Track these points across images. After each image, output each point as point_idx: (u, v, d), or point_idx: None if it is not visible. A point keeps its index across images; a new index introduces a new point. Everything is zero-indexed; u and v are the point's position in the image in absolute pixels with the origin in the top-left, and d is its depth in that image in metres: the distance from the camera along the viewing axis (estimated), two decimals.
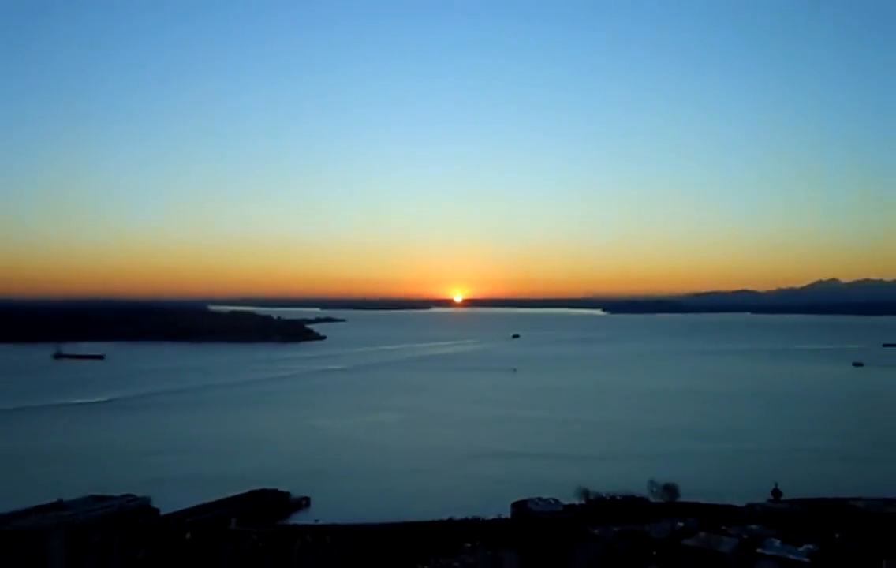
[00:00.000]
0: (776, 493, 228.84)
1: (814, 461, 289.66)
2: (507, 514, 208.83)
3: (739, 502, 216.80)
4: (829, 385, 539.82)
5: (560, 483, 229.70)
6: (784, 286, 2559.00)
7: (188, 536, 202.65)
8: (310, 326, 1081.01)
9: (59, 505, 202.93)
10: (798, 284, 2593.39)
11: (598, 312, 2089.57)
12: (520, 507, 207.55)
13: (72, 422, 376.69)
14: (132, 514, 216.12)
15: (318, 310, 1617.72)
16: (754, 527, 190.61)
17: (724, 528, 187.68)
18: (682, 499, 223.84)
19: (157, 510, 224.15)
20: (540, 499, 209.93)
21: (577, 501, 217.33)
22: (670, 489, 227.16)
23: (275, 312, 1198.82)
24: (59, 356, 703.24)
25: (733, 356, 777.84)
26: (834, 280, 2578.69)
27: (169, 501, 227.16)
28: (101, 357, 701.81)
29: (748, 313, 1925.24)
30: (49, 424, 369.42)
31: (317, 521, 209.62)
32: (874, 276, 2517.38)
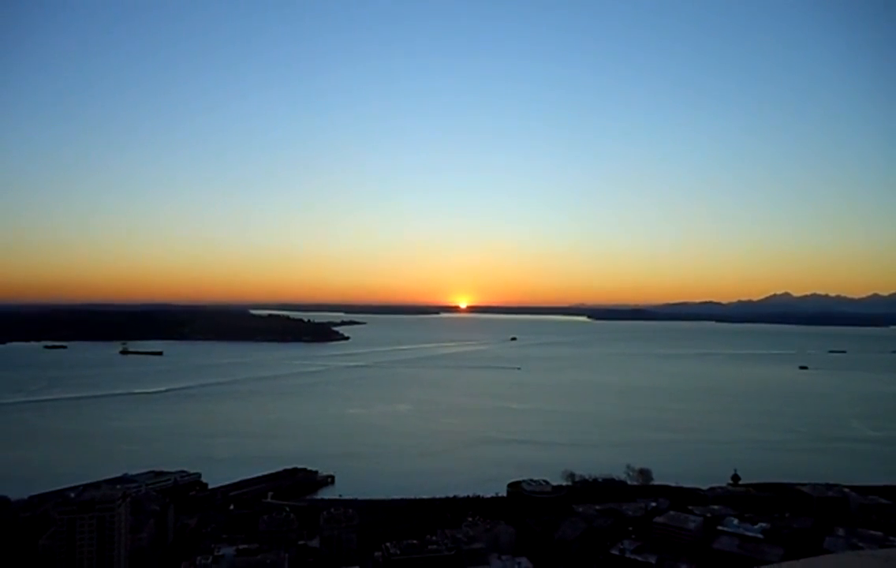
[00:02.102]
0: (735, 478, 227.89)
1: (767, 451, 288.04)
2: (503, 492, 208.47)
3: (703, 486, 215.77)
4: (779, 385, 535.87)
5: (549, 467, 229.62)
6: (744, 298, 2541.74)
7: (231, 506, 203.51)
8: (335, 328, 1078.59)
9: (124, 478, 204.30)
10: (755, 297, 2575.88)
11: (584, 318, 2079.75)
12: (514, 486, 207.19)
13: (135, 408, 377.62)
14: (185, 487, 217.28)
15: (342, 314, 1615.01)
16: (716, 507, 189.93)
17: (690, 508, 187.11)
18: (655, 482, 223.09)
19: (206, 484, 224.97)
20: (532, 480, 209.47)
21: (564, 483, 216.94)
22: (644, 473, 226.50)
23: (305, 315, 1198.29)
24: (124, 352, 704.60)
25: (698, 359, 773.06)
26: (787, 294, 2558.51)
27: (216, 477, 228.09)
28: (160, 353, 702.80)
29: (713, 322, 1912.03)
30: (116, 409, 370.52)
31: (341, 496, 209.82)
32: (821, 292, 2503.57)
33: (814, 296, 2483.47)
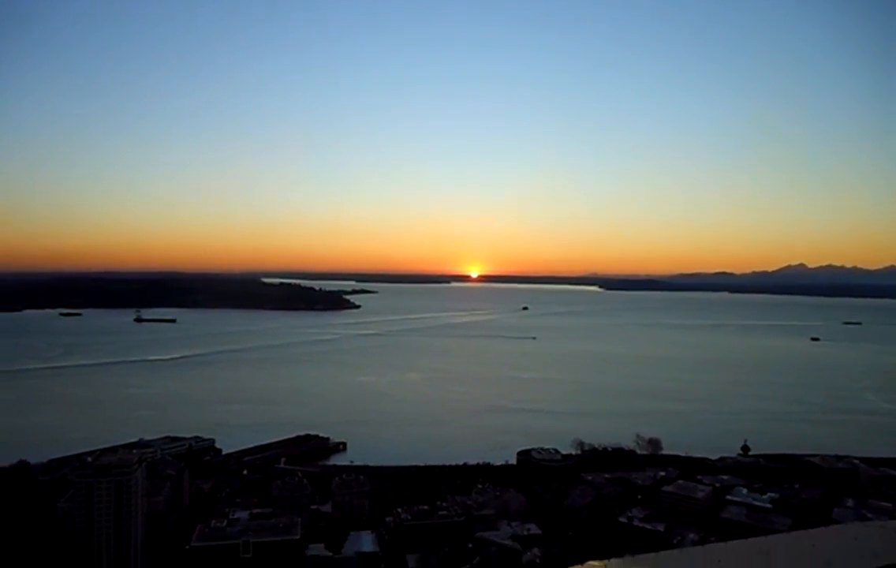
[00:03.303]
0: (745, 448, 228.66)
1: (777, 422, 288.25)
2: (513, 460, 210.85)
3: (713, 456, 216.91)
4: (792, 357, 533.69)
5: (559, 436, 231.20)
6: (758, 269, 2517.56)
7: (245, 471, 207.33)
8: (347, 297, 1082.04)
9: (140, 443, 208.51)
10: (770, 268, 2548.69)
11: (596, 288, 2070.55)
12: (524, 455, 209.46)
13: (150, 375, 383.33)
14: (200, 452, 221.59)
15: (353, 282, 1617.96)
16: (725, 477, 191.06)
17: (699, 477, 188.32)
18: (664, 452, 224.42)
19: (220, 450, 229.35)
20: (541, 449, 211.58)
21: (573, 452, 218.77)
22: (654, 443, 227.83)
23: (317, 284, 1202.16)
24: (138, 320, 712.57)
25: (711, 330, 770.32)
26: (802, 265, 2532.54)
27: (229, 442, 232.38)
28: (173, 321, 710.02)
29: (726, 293, 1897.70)
30: (131, 376, 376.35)
31: (352, 462, 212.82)
32: (837, 262, 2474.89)
33: (829, 267, 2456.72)
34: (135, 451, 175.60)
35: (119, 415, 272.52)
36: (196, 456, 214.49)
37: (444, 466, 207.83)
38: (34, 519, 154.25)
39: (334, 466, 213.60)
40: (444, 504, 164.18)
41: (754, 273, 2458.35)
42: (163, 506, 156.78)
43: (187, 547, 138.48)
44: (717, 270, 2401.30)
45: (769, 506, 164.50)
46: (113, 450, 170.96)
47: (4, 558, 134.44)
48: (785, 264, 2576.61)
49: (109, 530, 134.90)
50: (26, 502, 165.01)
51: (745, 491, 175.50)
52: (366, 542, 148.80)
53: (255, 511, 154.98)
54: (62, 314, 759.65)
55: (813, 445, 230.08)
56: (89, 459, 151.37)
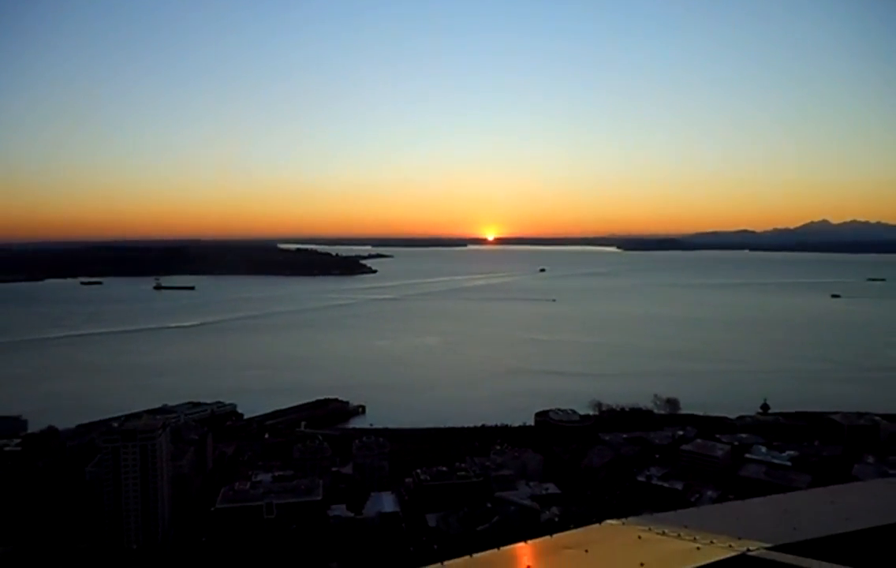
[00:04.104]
0: (764, 407, 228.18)
1: (798, 380, 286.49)
2: (531, 422, 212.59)
3: (732, 415, 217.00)
4: (814, 314, 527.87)
5: (577, 396, 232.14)
6: (779, 226, 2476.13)
7: (266, 435, 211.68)
8: (363, 262, 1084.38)
9: (163, 409, 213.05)
10: (792, 225, 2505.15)
11: (614, 249, 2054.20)
12: (542, 416, 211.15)
13: (171, 342, 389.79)
14: (222, 417, 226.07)
15: (369, 247, 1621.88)
16: (744, 435, 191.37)
17: (717, 436, 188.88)
18: (682, 411, 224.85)
19: (241, 414, 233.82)
20: (559, 410, 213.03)
21: (591, 412, 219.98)
22: (672, 403, 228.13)
23: (333, 249, 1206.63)
24: (158, 288, 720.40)
25: (731, 289, 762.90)
26: (825, 221, 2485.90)
27: (250, 407, 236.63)
28: (192, 288, 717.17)
29: (746, 251, 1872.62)
30: (153, 343, 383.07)
31: (372, 425, 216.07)
32: (861, 218, 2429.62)
33: (853, 223, 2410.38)
34: (158, 416, 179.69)
35: (142, 381, 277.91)
36: (218, 421, 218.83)
37: (462, 428, 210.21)
38: (64, 483, 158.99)
39: (354, 429, 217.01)
40: (463, 465, 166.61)
41: (776, 230, 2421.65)
42: (187, 469, 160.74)
43: (212, 509, 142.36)
44: (738, 228, 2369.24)
45: (788, 464, 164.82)
46: (137, 415, 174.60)
47: (36, 521, 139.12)
48: (807, 221, 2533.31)
49: (136, 493, 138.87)
50: (56, 467, 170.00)
51: (764, 449, 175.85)
52: (386, 502, 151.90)
53: (277, 474, 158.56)
54: (83, 283, 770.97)
55: (834, 402, 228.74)
56: (115, 424, 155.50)
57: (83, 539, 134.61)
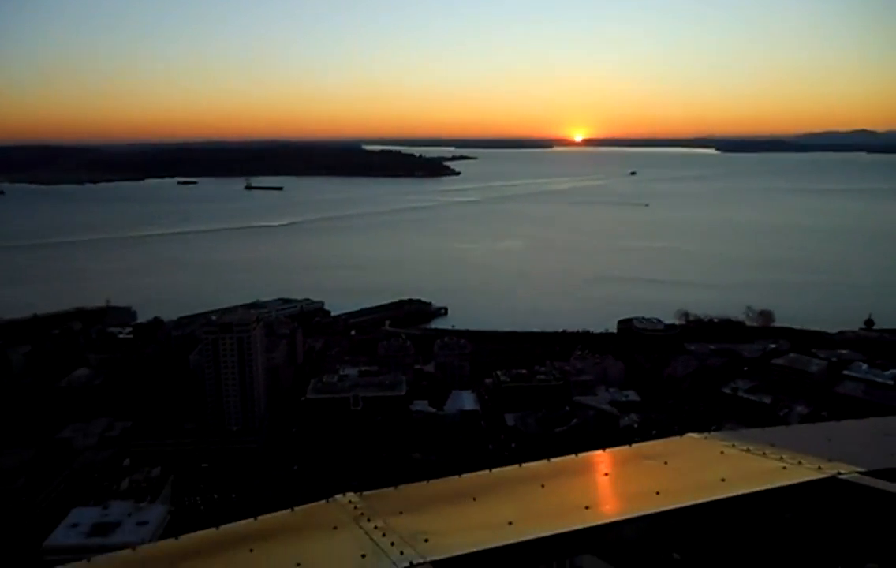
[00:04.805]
0: (868, 322, 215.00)
1: None
2: (613, 329, 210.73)
3: (831, 329, 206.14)
4: None
5: (663, 305, 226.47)
6: None
7: (353, 332, 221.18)
8: (447, 163, 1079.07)
9: (256, 304, 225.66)
10: None
11: (712, 151, 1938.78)
12: (625, 323, 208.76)
13: (261, 240, 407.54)
14: (310, 313, 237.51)
15: (453, 148, 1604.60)
16: (843, 351, 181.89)
17: (814, 351, 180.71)
18: (777, 324, 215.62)
19: (328, 311, 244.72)
20: (643, 318, 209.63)
21: (677, 322, 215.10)
22: (765, 315, 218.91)
23: (417, 150, 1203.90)
24: (248, 188, 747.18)
25: (839, 195, 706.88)
26: None
27: (337, 305, 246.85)
28: (280, 189, 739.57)
29: (864, 154, 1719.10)
30: (244, 240, 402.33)
31: (453, 326, 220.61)
32: None
33: None
34: (252, 311, 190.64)
35: (235, 278, 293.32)
36: (307, 317, 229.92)
37: (543, 333, 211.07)
38: (170, 369, 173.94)
39: (436, 329, 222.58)
40: (543, 369, 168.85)
41: None
42: (280, 361, 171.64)
43: (303, 398, 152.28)
44: (855, 128, 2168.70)
45: (891, 382, 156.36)
46: (232, 310, 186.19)
47: (148, 402, 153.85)
48: None
49: (235, 381, 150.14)
50: (162, 355, 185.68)
51: (864, 366, 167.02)
52: (467, 400, 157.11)
53: (363, 369, 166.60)
54: (179, 182, 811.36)
55: None
56: (213, 317, 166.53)
57: (189, 420, 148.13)
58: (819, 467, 5.03)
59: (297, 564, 4.06)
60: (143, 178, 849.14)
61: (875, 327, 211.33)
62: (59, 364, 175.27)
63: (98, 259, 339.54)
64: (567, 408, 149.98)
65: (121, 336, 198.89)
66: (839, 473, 4.91)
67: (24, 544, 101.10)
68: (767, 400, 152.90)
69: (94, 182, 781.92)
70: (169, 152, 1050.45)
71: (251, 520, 4.82)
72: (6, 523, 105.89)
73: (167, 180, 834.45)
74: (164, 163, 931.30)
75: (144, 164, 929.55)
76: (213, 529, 4.72)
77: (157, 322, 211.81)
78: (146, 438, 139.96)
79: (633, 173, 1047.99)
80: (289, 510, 4.97)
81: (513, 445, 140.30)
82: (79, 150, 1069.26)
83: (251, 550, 4.33)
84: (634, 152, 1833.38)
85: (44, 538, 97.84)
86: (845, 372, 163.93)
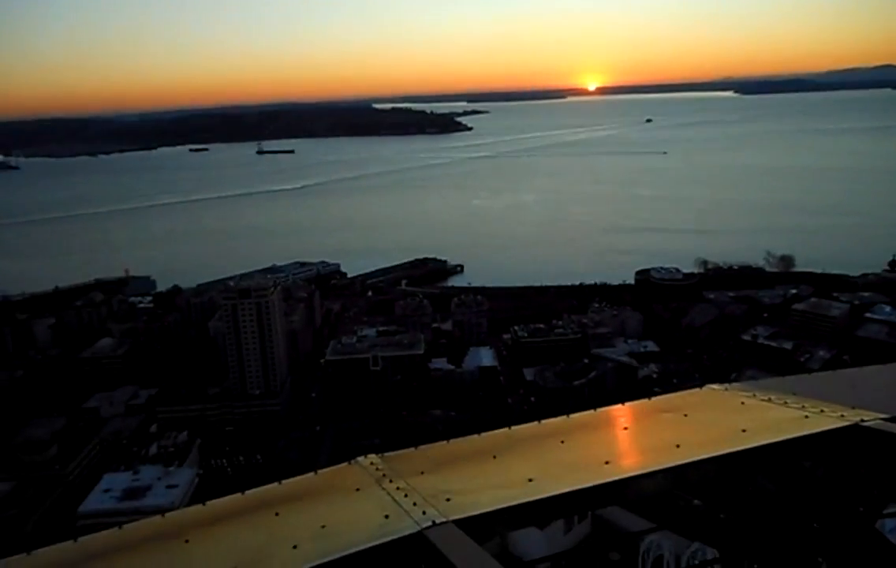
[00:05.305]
0: (893, 263, 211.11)
1: None
2: (631, 280, 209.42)
3: (854, 272, 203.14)
4: None
5: (681, 255, 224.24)
6: None
7: (370, 293, 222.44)
8: (458, 119, 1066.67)
9: (273, 269, 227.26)
10: None
11: (730, 94, 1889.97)
12: (643, 274, 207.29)
13: (275, 204, 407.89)
14: (327, 276, 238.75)
15: (464, 104, 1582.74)
16: (866, 294, 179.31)
17: (835, 295, 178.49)
18: (797, 269, 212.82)
19: (345, 273, 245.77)
20: (661, 268, 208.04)
21: (696, 271, 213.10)
22: (786, 260, 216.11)
23: (428, 107, 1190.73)
24: (260, 152, 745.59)
25: (863, 134, 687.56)
26: None
27: (353, 266, 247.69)
28: (291, 152, 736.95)
29: (890, 90, 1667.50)
30: (259, 205, 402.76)
31: (469, 283, 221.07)
32: None
33: None
34: (269, 276, 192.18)
35: (250, 243, 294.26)
36: (324, 279, 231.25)
37: (560, 287, 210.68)
38: (190, 337, 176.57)
39: (452, 287, 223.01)
40: (560, 323, 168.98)
41: None
42: (298, 325, 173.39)
43: (322, 360, 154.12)
44: (881, 63, 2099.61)
45: None
46: (249, 275, 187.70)
47: (171, 369, 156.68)
48: None
49: (255, 346, 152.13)
50: (183, 322, 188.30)
51: (888, 308, 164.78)
52: (485, 356, 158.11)
53: (381, 329, 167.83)
54: (191, 150, 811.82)
55: None
56: (231, 283, 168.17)
57: (212, 385, 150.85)
58: (842, 415, 4.91)
59: (322, 527, 4.10)
60: (155, 148, 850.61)
61: None
62: (83, 335, 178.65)
63: (114, 230, 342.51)
64: (585, 360, 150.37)
65: (141, 306, 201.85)
66: (862, 421, 4.78)
67: (59, 511, 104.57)
68: (788, 346, 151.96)
69: (108, 153, 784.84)
70: (180, 120, 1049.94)
71: (275, 484, 4.86)
72: (42, 491, 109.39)
73: (179, 148, 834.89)
74: (176, 131, 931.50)
75: (156, 133, 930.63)
76: (238, 495, 4.77)
77: (176, 290, 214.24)
78: (171, 404, 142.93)
79: (648, 121, 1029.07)
80: (312, 473, 5.00)
81: (532, 399, 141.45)
82: (92, 122, 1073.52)
83: (277, 514, 4.39)
84: (650, 99, 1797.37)
85: (78, 504, 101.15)
86: (868, 315, 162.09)
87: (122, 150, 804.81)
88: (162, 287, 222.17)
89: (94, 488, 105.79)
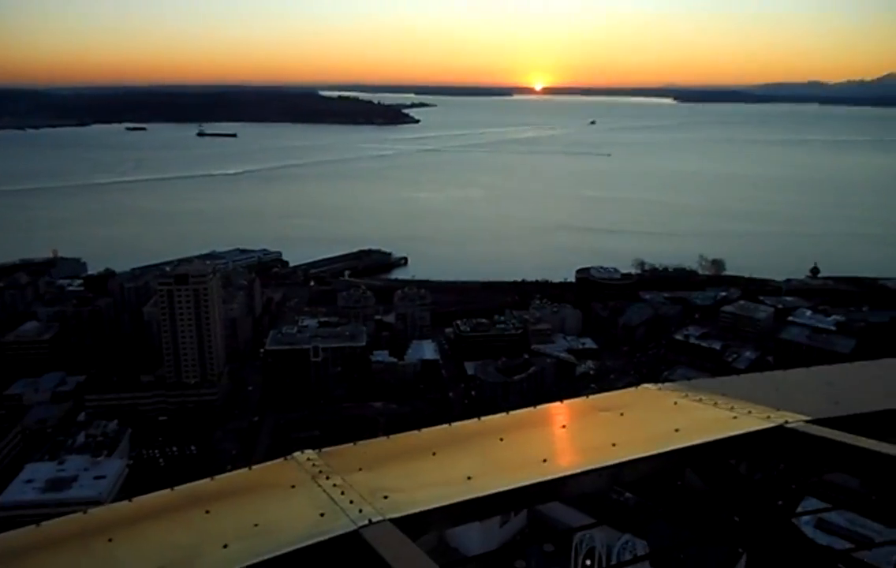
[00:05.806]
0: (814, 270, 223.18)
1: (855, 244, 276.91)
2: (572, 278, 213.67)
3: (779, 278, 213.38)
4: (882, 176, 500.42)
5: (620, 255, 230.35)
6: (854, 78, 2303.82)
7: (312, 283, 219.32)
8: (406, 111, 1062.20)
9: (212, 255, 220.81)
10: (868, 77, 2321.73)
11: (670, 101, 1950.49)
12: (583, 273, 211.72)
13: (215, 189, 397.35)
14: (268, 264, 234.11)
15: (412, 96, 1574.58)
16: (789, 298, 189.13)
17: (762, 298, 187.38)
18: (728, 273, 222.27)
19: (287, 262, 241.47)
20: (601, 267, 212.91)
21: (633, 271, 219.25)
22: (717, 263, 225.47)
23: (375, 97, 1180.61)
24: (201, 134, 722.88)
25: (794, 146, 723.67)
26: None
27: (295, 255, 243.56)
28: (234, 135, 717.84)
29: (816, 105, 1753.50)
30: (198, 190, 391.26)
31: (413, 276, 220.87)
32: None
33: None
34: (208, 262, 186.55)
35: (189, 228, 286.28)
36: (265, 267, 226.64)
37: (502, 283, 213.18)
38: (124, 322, 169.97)
39: (396, 279, 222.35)
40: (502, 318, 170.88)
41: (850, 83, 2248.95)
42: (237, 313, 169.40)
43: (262, 350, 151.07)
44: (807, 79, 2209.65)
45: (833, 328, 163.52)
46: (188, 261, 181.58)
47: (103, 355, 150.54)
48: (886, 72, 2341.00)
49: (192, 333, 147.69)
50: (116, 307, 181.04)
51: (808, 313, 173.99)
52: (427, 350, 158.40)
53: (322, 319, 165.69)
54: (128, 128, 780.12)
55: (890, 268, 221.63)
56: (168, 268, 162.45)
57: (146, 373, 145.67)
58: (768, 416, 5.08)
59: (255, 525, 3.88)
60: (89, 124, 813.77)
61: (820, 275, 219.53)
62: (6, 318, 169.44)
63: (43, 209, 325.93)
64: (526, 356, 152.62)
65: (70, 288, 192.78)
66: (786, 422, 4.97)
67: None
68: (717, 346, 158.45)
69: (37, 128, 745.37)
70: (116, 97, 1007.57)
71: (207, 480, 4.58)
72: None
73: (115, 126, 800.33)
74: (112, 108, 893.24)
75: (91, 108, 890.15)
76: (167, 491, 4.47)
77: (108, 274, 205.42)
78: (101, 392, 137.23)
79: (592, 122, 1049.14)
80: (246, 469, 4.80)
81: (473, 393, 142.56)
82: (19, 93, 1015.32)
83: (207, 512, 4.13)
84: (594, 101, 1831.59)
85: None
86: (790, 318, 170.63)
87: (52, 126, 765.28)
88: (93, 270, 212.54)
89: (14, 479, 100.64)
